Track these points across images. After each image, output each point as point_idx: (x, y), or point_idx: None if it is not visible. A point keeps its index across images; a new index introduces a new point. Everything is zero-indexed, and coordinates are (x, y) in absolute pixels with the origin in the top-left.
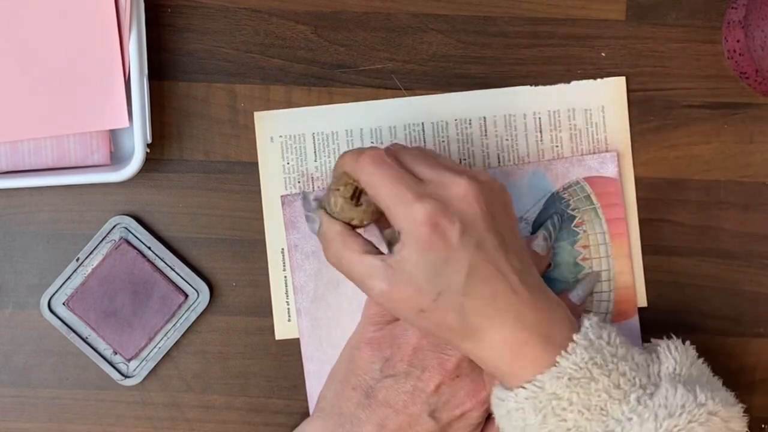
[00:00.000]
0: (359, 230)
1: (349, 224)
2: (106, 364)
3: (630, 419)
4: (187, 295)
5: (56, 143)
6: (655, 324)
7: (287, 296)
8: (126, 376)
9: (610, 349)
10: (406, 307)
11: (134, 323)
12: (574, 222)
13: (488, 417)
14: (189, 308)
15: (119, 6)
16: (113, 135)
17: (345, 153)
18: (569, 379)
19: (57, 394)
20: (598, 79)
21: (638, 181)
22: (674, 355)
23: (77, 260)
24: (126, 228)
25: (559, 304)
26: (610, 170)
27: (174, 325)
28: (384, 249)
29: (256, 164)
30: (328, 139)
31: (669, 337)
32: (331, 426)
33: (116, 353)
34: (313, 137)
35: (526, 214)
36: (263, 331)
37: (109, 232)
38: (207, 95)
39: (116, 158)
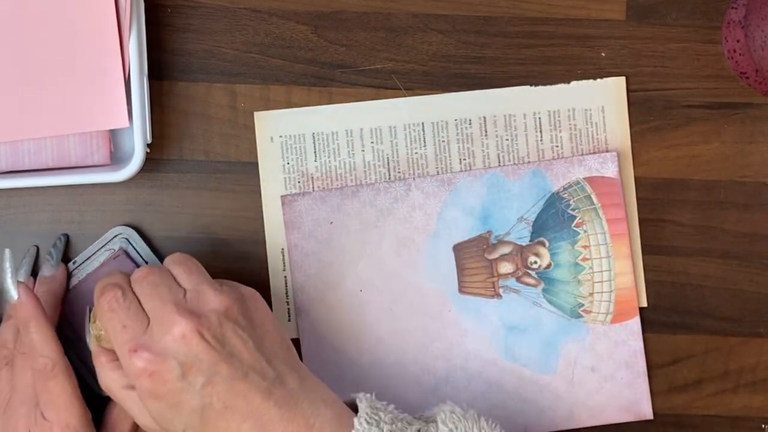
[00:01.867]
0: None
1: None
2: (87, 373)
3: None
4: None
5: (56, 143)
6: (655, 324)
7: (287, 296)
8: None
9: None
10: None
11: None
12: (575, 222)
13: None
14: None
15: (119, 6)
16: (113, 135)
17: (99, 281)
18: None
19: None
20: (598, 79)
21: (638, 181)
22: (450, 426)
23: (74, 263)
24: (127, 239)
25: (327, 405)
26: (610, 170)
27: None
28: None
29: (256, 164)
30: (328, 139)
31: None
32: None
33: None
34: (314, 137)
35: (526, 214)
36: None
37: (109, 241)
38: (207, 95)
39: (116, 158)
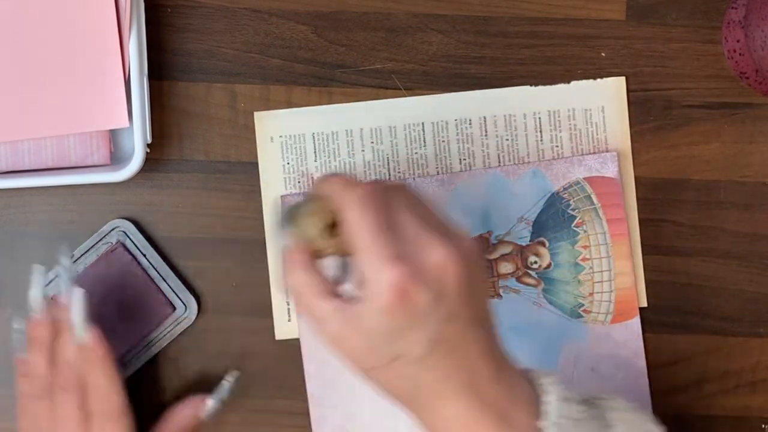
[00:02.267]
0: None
1: (317, 253)
2: None
3: None
4: (174, 308)
5: (56, 143)
6: (655, 324)
7: (287, 296)
8: None
9: (575, 427)
10: (358, 360)
11: (118, 328)
12: (575, 222)
13: None
14: (175, 321)
15: (119, 6)
16: (113, 135)
17: (335, 176)
18: None
19: None
20: (598, 79)
21: (638, 181)
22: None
23: (71, 257)
24: (124, 232)
25: (522, 376)
26: (610, 170)
27: (157, 336)
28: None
29: (256, 164)
30: (328, 139)
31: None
32: None
33: None
34: (313, 137)
35: (526, 214)
36: (263, 331)
37: (107, 234)
38: (207, 95)
39: (116, 158)
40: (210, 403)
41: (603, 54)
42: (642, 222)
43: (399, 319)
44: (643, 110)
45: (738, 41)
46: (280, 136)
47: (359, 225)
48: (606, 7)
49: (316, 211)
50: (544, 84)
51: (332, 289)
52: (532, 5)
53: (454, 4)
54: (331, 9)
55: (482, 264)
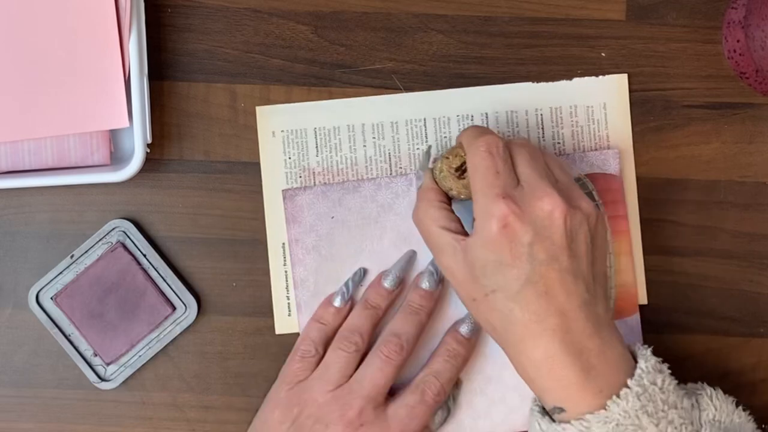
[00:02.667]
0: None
1: (447, 194)
2: (85, 364)
3: None
4: (174, 308)
5: (56, 143)
6: (655, 324)
7: (287, 291)
8: (102, 380)
9: (662, 396)
10: (463, 290)
11: (118, 328)
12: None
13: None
14: (175, 321)
15: (119, 6)
16: (113, 135)
17: (472, 126)
18: (616, 425)
19: (57, 394)
20: (600, 76)
21: (638, 180)
22: (714, 403)
23: (71, 257)
24: (124, 232)
25: (620, 341)
26: (612, 167)
27: (158, 336)
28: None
29: (256, 164)
30: (330, 134)
31: (712, 386)
32: None
33: (96, 355)
34: (315, 132)
35: None
36: (263, 331)
37: (107, 234)
38: (207, 95)
39: (116, 158)
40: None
41: (603, 54)
42: (642, 222)
43: (500, 252)
44: (643, 110)
45: (738, 41)
46: (282, 131)
47: (477, 166)
48: (606, 7)
49: (452, 155)
50: (545, 82)
51: (454, 225)
52: (532, 5)
53: (454, 4)
54: (331, 9)
55: (600, 233)
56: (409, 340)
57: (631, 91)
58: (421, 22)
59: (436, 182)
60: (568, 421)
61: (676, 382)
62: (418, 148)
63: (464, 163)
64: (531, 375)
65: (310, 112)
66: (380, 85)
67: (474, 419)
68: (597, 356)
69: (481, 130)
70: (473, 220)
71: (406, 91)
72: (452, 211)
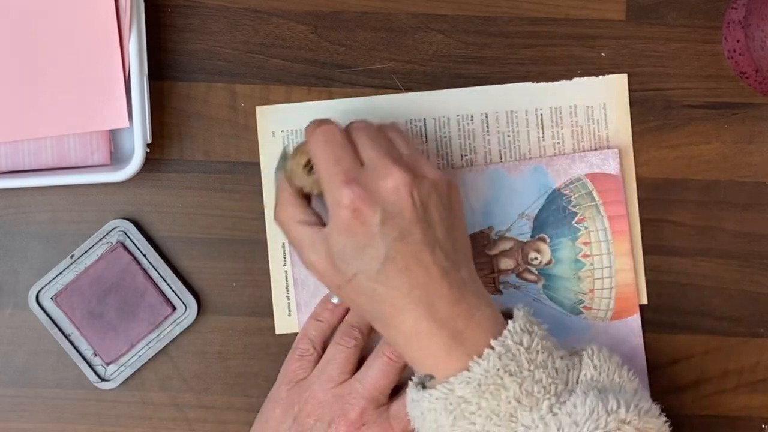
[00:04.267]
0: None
1: (301, 191)
2: (85, 364)
3: (537, 427)
4: (174, 308)
5: (56, 143)
6: (655, 324)
7: (287, 291)
8: (102, 379)
9: (528, 355)
10: (327, 280)
11: (118, 328)
12: (576, 218)
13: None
14: (175, 321)
15: (119, 6)
16: (113, 135)
17: (313, 120)
18: (478, 384)
19: (57, 394)
20: (600, 76)
21: (638, 180)
22: (594, 362)
23: (71, 257)
24: (125, 232)
25: (489, 305)
26: (612, 167)
27: (157, 336)
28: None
29: (256, 164)
30: None
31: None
32: None
33: (96, 355)
34: None
35: (527, 210)
36: (263, 331)
37: (107, 234)
38: (207, 95)
39: (116, 158)
40: None
41: (603, 54)
42: (642, 222)
43: (354, 236)
44: (643, 110)
45: (738, 41)
46: (282, 131)
47: (318, 157)
48: (606, 7)
49: (299, 152)
50: (545, 82)
51: (313, 219)
52: (532, 5)
53: (454, 4)
54: (331, 9)
55: (454, 198)
56: None
57: (631, 91)
58: (421, 22)
59: (288, 183)
60: (434, 387)
61: (552, 341)
62: (417, 148)
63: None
64: (402, 348)
65: (310, 111)
66: (380, 85)
67: None
68: (464, 321)
69: (319, 122)
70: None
71: (406, 91)
72: (309, 206)
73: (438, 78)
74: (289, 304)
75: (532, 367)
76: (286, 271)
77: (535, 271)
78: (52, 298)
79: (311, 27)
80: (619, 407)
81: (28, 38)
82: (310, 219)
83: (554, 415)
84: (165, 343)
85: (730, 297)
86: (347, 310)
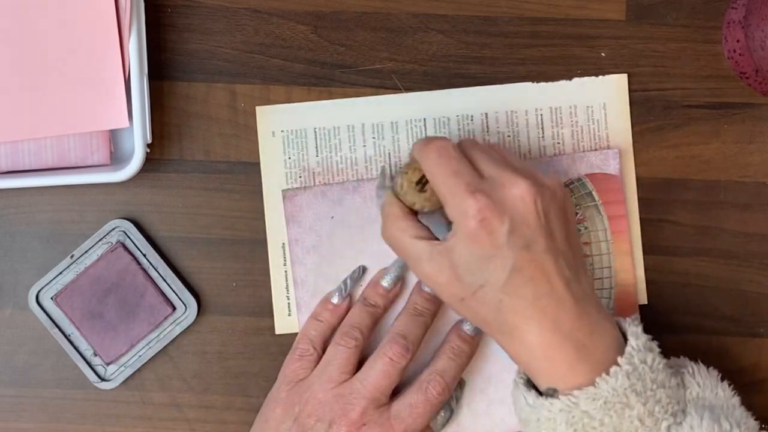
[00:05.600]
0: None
1: (411, 208)
2: (85, 364)
3: None
4: (174, 308)
5: (56, 143)
6: (655, 324)
7: (287, 291)
8: (102, 379)
9: (652, 375)
10: (448, 293)
11: (118, 328)
12: (576, 218)
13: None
14: (175, 321)
15: (119, 6)
16: (113, 135)
17: (419, 139)
18: (605, 402)
19: (57, 394)
20: (600, 76)
21: (638, 180)
22: (697, 380)
23: (71, 257)
24: (125, 232)
25: (607, 318)
26: (611, 167)
27: (158, 336)
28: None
29: (256, 164)
30: (330, 134)
31: (693, 360)
32: None
33: (96, 355)
34: (315, 132)
35: None
36: (263, 331)
37: (107, 234)
38: (207, 95)
39: (116, 158)
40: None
41: (603, 54)
42: (642, 222)
43: (482, 246)
44: (643, 110)
45: (738, 41)
46: (282, 131)
47: (435, 173)
48: (606, 7)
49: (410, 170)
50: (545, 82)
51: (426, 233)
52: (532, 5)
53: (454, 4)
54: (331, 9)
55: (569, 206)
56: (415, 341)
57: (631, 91)
58: (421, 22)
59: (398, 199)
60: (556, 396)
61: (665, 360)
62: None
63: (424, 176)
64: (525, 359)
65: (310, 112)
66: (380, 85)
67: (474, 419)
68: (587, 335)
69: (429, 139)
70: (448, 225)
71: (406, 91)
72: (420, 221)
73: (438, 78)
74: (289, 304)
75: (654, 387)
76: (286, 271)
77: None
78: (52, 298)
79: (311, 27)
80: (731, 428)
81: (28, 38)
82: (424, 233)
83: None
84: (165, 343)
85: (730, 297)
86: (347, 310)
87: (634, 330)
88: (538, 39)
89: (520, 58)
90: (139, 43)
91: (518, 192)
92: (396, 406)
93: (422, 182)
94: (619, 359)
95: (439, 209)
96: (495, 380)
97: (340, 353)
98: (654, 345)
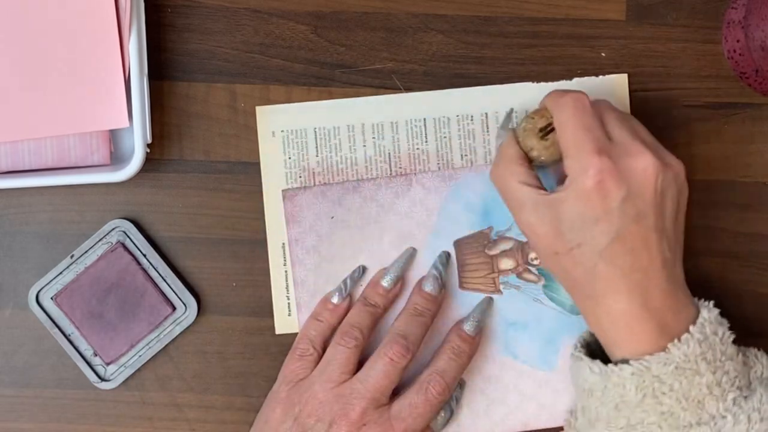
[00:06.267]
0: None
1: (527, 154)
2: (85, 364)
3: (724, 417)
4: (174, 308)
5: (56, 143)
6: None
7: (287, 291)
8: (102, 379)
9: (722, 347)
10: (544, 244)
11: (119, 328)
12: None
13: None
14: (175, 321)
15: (119, 6)
16: (113, 135)
17: (555, 90)
18: (676, 367)
19: (57, 394)
20: (600, 76)
21: None
22: (761, 360)
23: (71, 257)
24: (125, 232)
25: (693, 305)
26: None
27: (158, 336)
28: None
29: (256, 164)
30: (330, 134)
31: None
32: None
33: (96, 355)
34: (315, 132)
35: None
36: (263, 331)
37: (107, 234)
38: (207, 95)
39: (116, 158)
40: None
41: (603, 54)
42: None
43: (592, 207)
44: (643, 110)
45: (738, 41)
46: (282, 131)
47: (566, 123)
48: (606, 7)
49: (537, 116)
50: (545, 82)
51: (535, 182)
52: (532, 5)
53: (454, 4)
54: (331, 9)
55: (685, 192)
56: (415, 342)
57: (631, 91)
58: (421, 22)
59: (517, 142)
60: (626, 361)
61: (734, 337)
62: (417, 148)
63: (549, 124)
64: (605, 327)
65: (310, 112)
66: (380, 85)
67: (473, 419)
68: (671, 315)
69: (565, 90)
70: (557, 181)
71: (406, 91)
72: (533, 169)
73: (438, 78)
74: (289, 304)
75: (723, 358)
76: (286, 271)
77: (536, 271)
78: (52, 298)
79: (311, 27)
80: None
81: (28, 38)
82: (533, 181)
83: (740, 408)
84: (165, 343)
85: (730, 297)
86: (347, 310)
87: (707, 304)
88: (538, 39)
89: (520, 58)
90: (139, 43)
91: (642, 164)
92: (396, 406)
93: (546, 130)
94: (691, 328)
95: (552, 163)
96: (494, 380)
97: (340, 353)
98: (724, 321)
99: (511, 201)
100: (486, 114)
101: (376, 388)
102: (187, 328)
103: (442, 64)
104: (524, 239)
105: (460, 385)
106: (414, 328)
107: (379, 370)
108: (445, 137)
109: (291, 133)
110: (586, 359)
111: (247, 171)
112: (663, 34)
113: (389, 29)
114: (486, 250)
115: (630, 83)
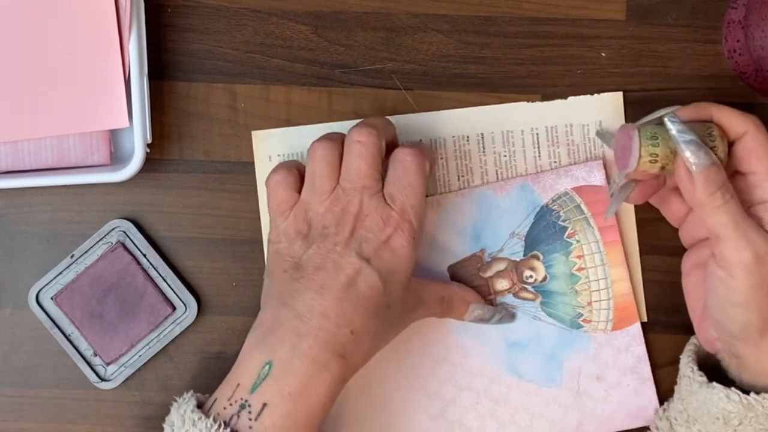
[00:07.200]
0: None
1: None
2: (85, 364)
3: None
4: (174, 308)
5: (56, 143)
6: (655, 324)
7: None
8: (102, 379)
9: None
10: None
11: (118, 328)
12: (567, 233)
13: None
14: (175, 321)
15: (119, 6)
16: (113, 135)
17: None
18: None
19: (57, 394)
20: (595, 95)
21: None
22: None
23: (71, 257)
24: (125, 232)
25: None
26: (597, 178)
27: (158, 336)
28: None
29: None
30: None
31: None
32: (274, 306)
33: (96, 355)
34: None
35: (517, 229)
36: None
37: (107, 234)
38: (207, 95)
39: (116, 158)
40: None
41: (603, 54)
42: (641, 222)
43: None
44: (643, 110)
45: (738, 41)
46: (279, 155)
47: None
48: (606, 7)
49: (712, 131)
50: (544, 88)
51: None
52: (532, 5)
53: (454, 4)
54: (331, 9)
55: None
56: (377, 125)
57: (631, 91)
58: (421, 22)
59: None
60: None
61: None
62: None
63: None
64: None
65: (306, 135)
66: (380, 85)
67: (481, 422)
68: None
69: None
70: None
71: (406, 91)
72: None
73: (438, 78)
74: None
75: None
76: None
77: (532, 289)
78: (52, 298)
79: (311, 27)
80: None
81: (28, 38)
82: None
83: None
84: (165, 343)
85: None
86: None
87: None
88: (538, 39)
89: (520, 58)
90: (139, 43)
91: None
92: (386, 189)
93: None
94: None
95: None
96: (503, 403)
97: (321, 159)
98: None
99: (715, 231)
100: (482, 134)
101: (359, 176)
102: (187, 328)
103: (442, 64)
104: (518, 258)
105: (510, 315)
106: (377, 120)
107: (354, 158)
108: (441, 158)
109: (288, 157)
110: (719, 386)
111: (246, 171)
112: (663, 34)
113: (389, 29)
114: (480, 273)
115: (630, 83)
